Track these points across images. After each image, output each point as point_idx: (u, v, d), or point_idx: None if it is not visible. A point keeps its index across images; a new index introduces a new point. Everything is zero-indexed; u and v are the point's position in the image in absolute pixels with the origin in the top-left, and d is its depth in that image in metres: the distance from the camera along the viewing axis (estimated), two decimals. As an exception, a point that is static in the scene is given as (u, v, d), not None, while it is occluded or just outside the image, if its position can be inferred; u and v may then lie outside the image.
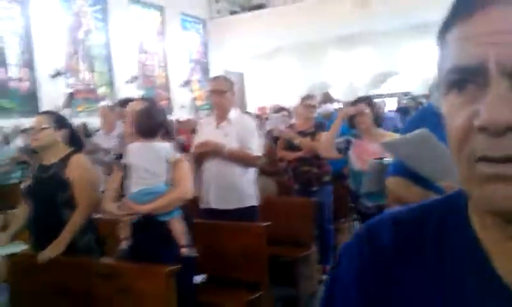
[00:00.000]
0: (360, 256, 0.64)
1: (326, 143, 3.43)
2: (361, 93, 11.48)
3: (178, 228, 2.65)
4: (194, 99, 13.87)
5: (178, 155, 2.69)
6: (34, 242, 2.85)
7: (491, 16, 0.48)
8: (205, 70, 14.79)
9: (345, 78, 14.46)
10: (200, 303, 2.80)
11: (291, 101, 8.82)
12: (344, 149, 3.31)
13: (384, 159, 2.83)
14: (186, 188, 2.67)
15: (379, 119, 3.31)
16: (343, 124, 3.50)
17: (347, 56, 14.42)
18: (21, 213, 2.89)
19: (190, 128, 7.02)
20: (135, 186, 2.61)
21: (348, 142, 3.31)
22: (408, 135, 1.83)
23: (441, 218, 0.60)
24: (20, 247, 2.87)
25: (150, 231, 2.62)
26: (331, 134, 3.41)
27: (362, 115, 3.23)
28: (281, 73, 15.27)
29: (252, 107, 14.56)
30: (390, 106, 9.66)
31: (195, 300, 2.78)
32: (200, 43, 14.82)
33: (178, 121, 9.09)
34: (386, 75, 14.19)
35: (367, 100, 3.36)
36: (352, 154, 3.28)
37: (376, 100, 3.92)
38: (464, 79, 0.50)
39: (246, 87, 15.93)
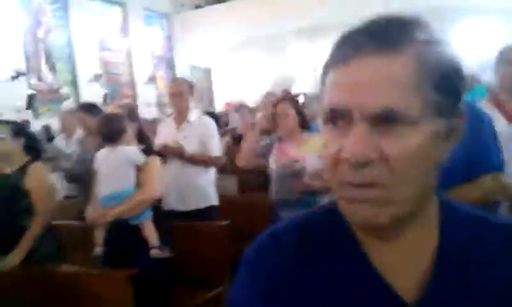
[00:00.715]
0: (266, 260, 0.70)
1: (245, 153, 3.03)
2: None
3: (149, 230, 2.72)
4: (160, 96, 13.79)
5: (144, 158, 2.76)
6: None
7: (353, 68, 0.58)
8: (171, 65, 14.71)
9: (310, 70, 14.61)
10: (165, 304, 2.88)
11: (258, 95, 8.92)
12: (267, 155, 2.94)
13: (298, 163, 2.70)
14: (151, 189, 2.75)
15: (305, 122, 2.92)
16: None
17: (312, 48, 14.57)
18: None
19: (154, 127, 7.00)
20: (104, 191, 2.70)
21: (271, 146, 2.95)
22: None
23: (332, 221, 0.69)
24: None
25: (122, 235, 2.70)
26: (249, 143, 3.01)
27: (285, 116, 2.84)
28: (248, 67, 15.30)
29: (220, 102, 14.59)
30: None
31: (164, 299, 2.83)
32: (164, 38, 14.72)
33: (151, 120, 8.98)
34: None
35: (292, 100, 2.98)
36: (270, 159, 2.90)
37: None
38: (336, 117, 0.60)
39: (214, 82, 15.92)
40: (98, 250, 2.71)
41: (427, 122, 0.57)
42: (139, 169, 2.74)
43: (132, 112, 3.24)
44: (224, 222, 3.18)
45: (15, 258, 2.72)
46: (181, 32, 14.51)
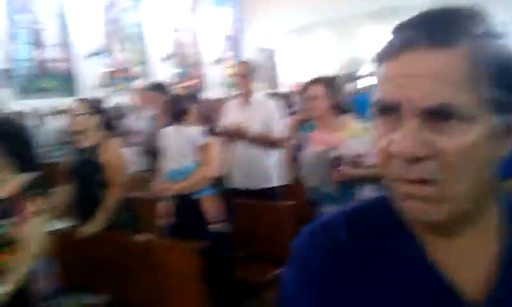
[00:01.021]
0: (318, 248, 0.69)
1: (285, 155, 2.92)
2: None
3: (209, 205, 2.89)
4: (228, 76, 13.94)
5: (205, 139, 2.91)
6: (78, 218, 3.11)
7: (403, 62, 0.57)
8: (239, 46, 14.82)
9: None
10: (230, 278, 2.98)
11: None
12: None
13: (333, 150, 2.47)
14: (211, 168, 2.92)
15: (341, 104, 2.59)
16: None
17: (384, 31, 14.06)
18: (64, 191, 3.13)
19: (219, 107, 7.12)
20: (171, 166, 2.92)
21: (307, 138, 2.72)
22: None
23: (384, 213, 0.67)
24: (64, 224, 3.15)
25: (185, 208, 2.90)
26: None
27: (315, 100, 2.55)
28: (315, 48, 15.09)
29: (286, 84, 14.54)
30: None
31: (229, 273, 2.97)
32: (234, 19, 14.81)
33: (217, 100, 9.11)
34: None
35: (324, 81, 2.60)
36: (303, 151, 2.66)
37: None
38: (386, 110, 0.59)
39: (280, 64, 15.87)
40: (162, 221, 2.89)
41: (483, 119, 0.55)
42: (201, 148, 2.88)
43: (195, 94, 3.39)
44: (290, 203, 3.22)
45: (93, 227, 2.92)
46: (250, 14, 14.55)
